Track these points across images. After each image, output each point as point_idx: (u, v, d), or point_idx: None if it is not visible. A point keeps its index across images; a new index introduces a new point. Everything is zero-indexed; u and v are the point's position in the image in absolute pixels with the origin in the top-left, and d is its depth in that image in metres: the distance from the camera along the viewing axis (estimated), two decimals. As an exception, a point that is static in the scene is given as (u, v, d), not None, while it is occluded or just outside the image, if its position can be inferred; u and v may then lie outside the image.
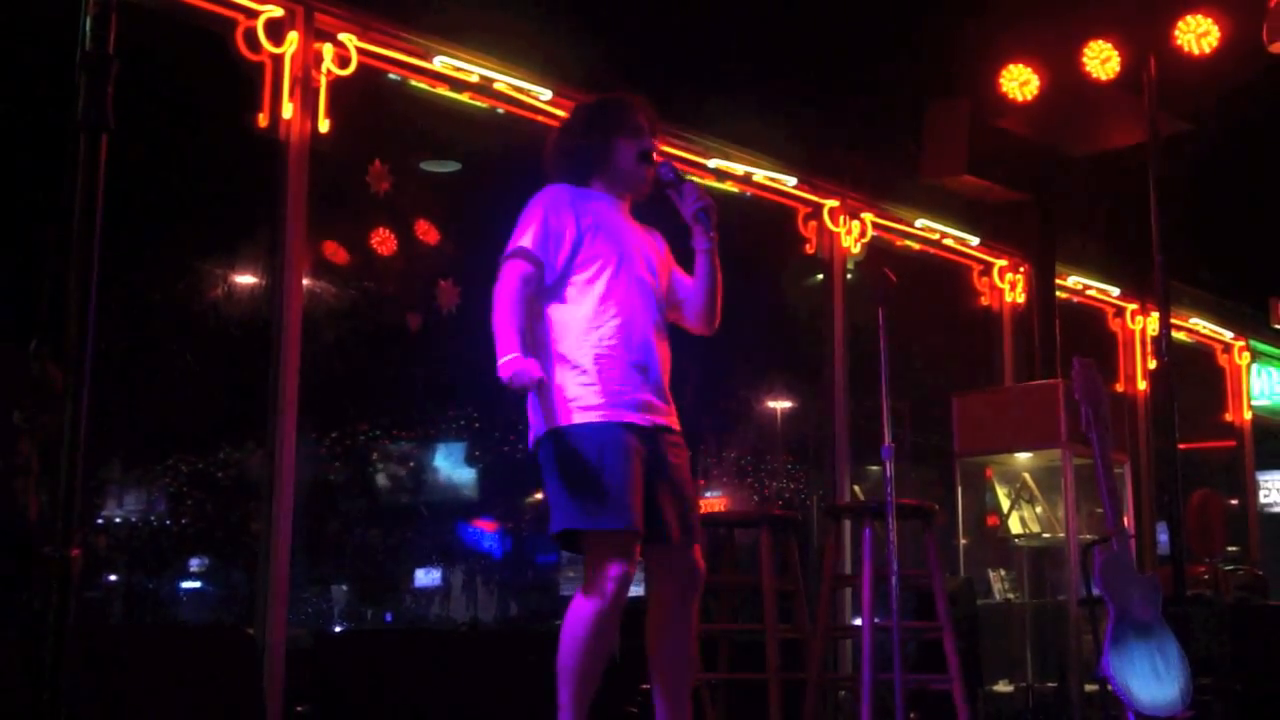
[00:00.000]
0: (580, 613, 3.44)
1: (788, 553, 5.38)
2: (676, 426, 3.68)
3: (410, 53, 5.68)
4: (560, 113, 6.01)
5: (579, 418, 3.50)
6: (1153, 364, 9.43)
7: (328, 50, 5.32)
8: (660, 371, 3.65)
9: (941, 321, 8.58)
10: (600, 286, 3.60)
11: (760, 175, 7.14)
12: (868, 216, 7.63)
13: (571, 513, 3.48)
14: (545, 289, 3.61)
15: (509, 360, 3.43)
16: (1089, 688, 6.15)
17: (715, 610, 5.35)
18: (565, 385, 3.54)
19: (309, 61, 5.26)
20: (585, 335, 3.57)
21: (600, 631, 3.42)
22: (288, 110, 5.18)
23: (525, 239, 3.59)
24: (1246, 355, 10.93)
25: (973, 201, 8.01)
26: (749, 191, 7.16)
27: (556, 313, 3.61)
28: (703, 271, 3.75)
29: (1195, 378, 10.26)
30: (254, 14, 5.14)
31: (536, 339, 3.60)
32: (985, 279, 8.53)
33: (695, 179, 3.85)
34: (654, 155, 3.75)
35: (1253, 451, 11.01)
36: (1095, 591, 5.11)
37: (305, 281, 5.30)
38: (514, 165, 6.13)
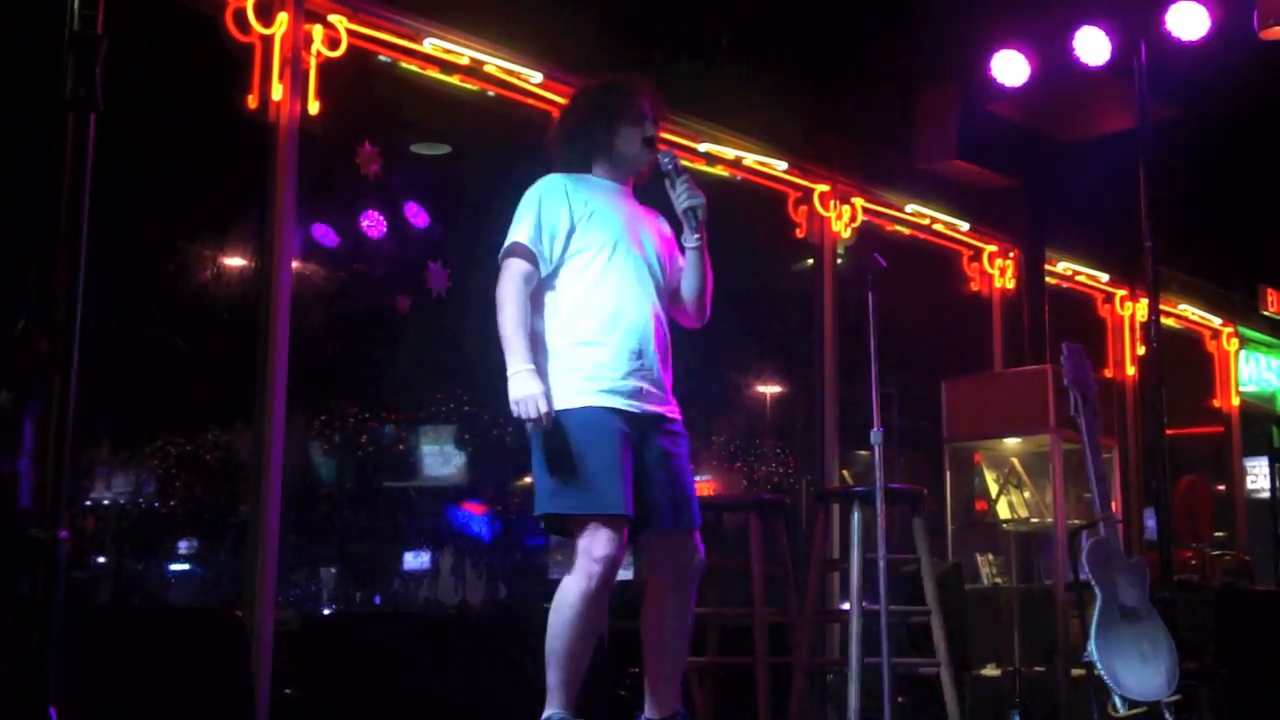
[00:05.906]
0: (567, 595, 3.45)
1: (776, 537, 5.39)
2: (675, 414, 3.67)
3: (400, 34, 5.66)
4: (551, 95, 5.99)
5: (567, 402, 3.51)
6: (1141, 350, 9.45)
7: (317, 32, 5.30)
8: (658, 359, 3.64)
9: (931, 306, 8.58)
10: (594, 272, 3.60)
11: (750, 159, 7.13)
12: (858, 201, 7.63)
13: (557, 496, 3.49)
14: (542, 278, 3.62)
15: (520, 377, 3.43)
16: (1076, 672, 6.18)
17: (704, 594, 5.36)
18: (555, 370, 3.55)
19: (299, 43, 5.23)
20: (577, 321, 3.58)
21: (587, 614, 3.43)
22: (277, 92, 5.16)
23: (521, 233, 3.60)
24: (1235, 341, 10.95)
25: (963, 187, 8.01)
26: (739, 175, 7.15)
27: (550, 298, 3.62)
28: (691, 268, 3.75)
29: (1184, 364, 10.28)
30: (243, -6, 5.11)
31: (530, 327, 3.61)
32: (975, 264, 8.54)
33: (691, 165, 3.85)
34: (657, 142, 3.76)
35: (1240, 437, 11.04)
36: (1083, 576, 5.12)
37: (294, 264, 5.28)
38: (504, 148, 6.12)
